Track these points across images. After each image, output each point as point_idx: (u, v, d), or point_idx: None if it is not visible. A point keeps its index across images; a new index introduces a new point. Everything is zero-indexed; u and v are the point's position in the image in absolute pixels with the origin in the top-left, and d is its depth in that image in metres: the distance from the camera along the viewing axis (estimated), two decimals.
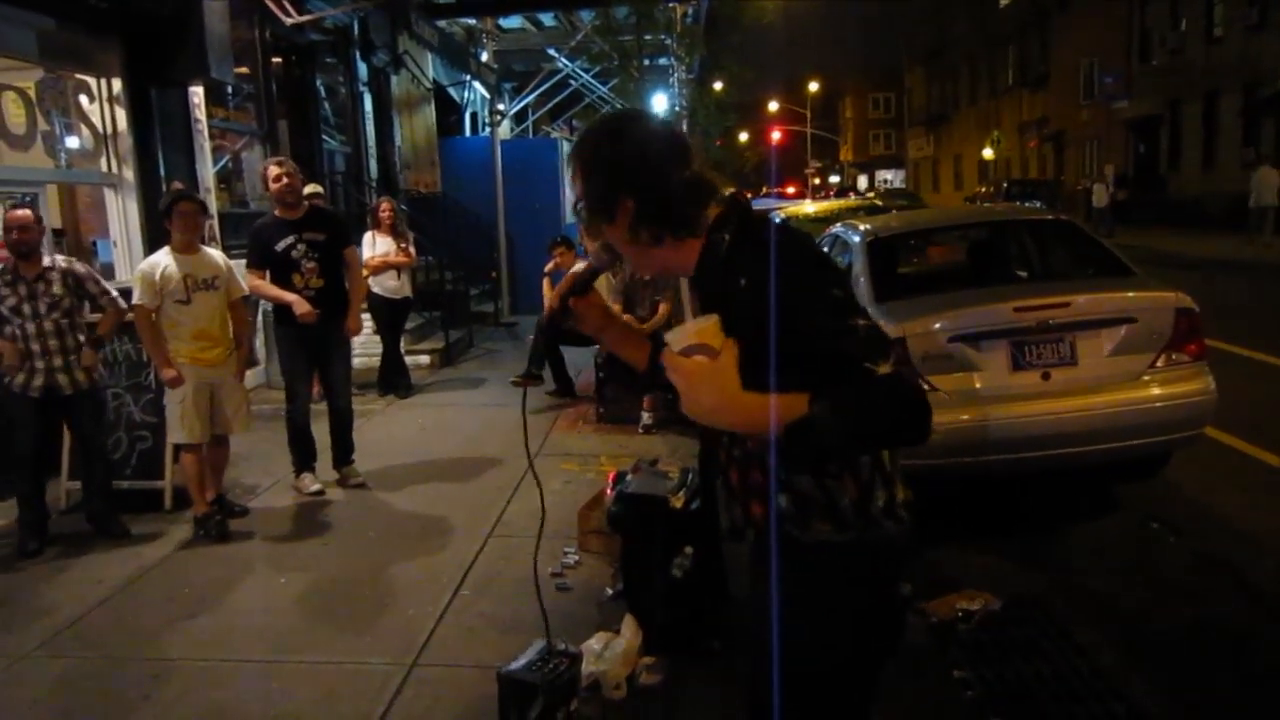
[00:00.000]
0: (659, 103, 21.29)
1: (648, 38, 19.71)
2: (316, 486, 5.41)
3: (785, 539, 1.64)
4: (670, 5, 19.67)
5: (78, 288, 4.71)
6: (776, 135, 53.12)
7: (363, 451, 5.80)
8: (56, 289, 4.62)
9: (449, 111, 16.70)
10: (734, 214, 1.63)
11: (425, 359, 9.42)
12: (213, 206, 7.65)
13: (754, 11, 26.99)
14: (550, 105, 20.84)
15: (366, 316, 6.81)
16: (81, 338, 4.73)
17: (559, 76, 19.49)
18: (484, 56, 16.43)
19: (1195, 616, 3.60)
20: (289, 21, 9.25)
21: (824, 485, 1.60)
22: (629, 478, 3.82)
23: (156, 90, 7.34)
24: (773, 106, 55.93)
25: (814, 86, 58.52)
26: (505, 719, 2.80)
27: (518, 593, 3.96)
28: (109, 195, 7.32)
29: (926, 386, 4.19)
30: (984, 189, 32.48)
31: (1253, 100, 21.94)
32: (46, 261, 4.67)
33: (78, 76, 7.13)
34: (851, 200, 17.70)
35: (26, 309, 4.56)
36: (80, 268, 4.81)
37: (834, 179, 64.97)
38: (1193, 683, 3.14)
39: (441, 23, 13.65)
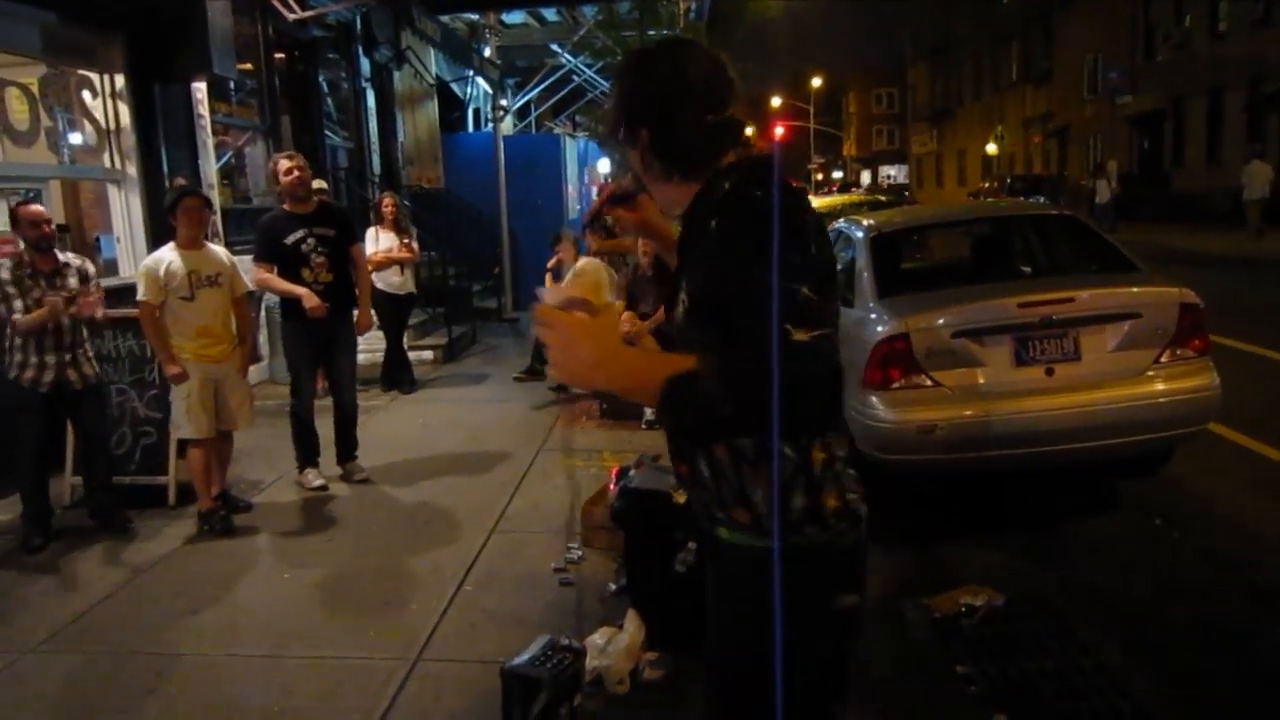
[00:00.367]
0: None
1: (651, 33, 19.66)
2: (320, 482, 5.42)
3: (711, 536, 1.61)
4: (673, 0, 19.65)
5: (88, 284, 4.74)
6: (780, 131, 53.05)
7: (366, 447, 5.81)
8: (73, 283, 4.65)
9: (452, 107, 16.68)
10: (744, 165, 1.57)
11: (428, 355, 9.43)
12: (216, 202, 7.65)
13: (757, 7, 26.95)
14: (553, 101, 20.81)
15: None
16: (86, 333, 4.77)
17: (562, 72, 19.46)
18: (487, 52, 16.39)
19: (1198, 613, 3.59)
20: (291, 17, 9.24)
21: (739, 468, 1.53)
22: (632, 473, 3.82)
23: (159, 86, 7.34)
24: (776, 102, 55.83)
25: (817, 82, 58.39)
26: (509, 714, 2.81)
27: (521, 588, 3.97)
28: (112, 191, 7.33)
29: (930, 382, 4.20)
30: (988, 184, 32.43)
31: (1257, 96, 21.89)
32: (61, 257, 4.69)
33: (81, 72, 7.13)
34: (839, 197, 18.14)
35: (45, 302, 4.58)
36: (90, 266, 4.85)
37: (837, 174, 64.92)
38: (1196, 679, 3.13)
39: (444, 18, 13.62)
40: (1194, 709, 2.99)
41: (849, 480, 1.56)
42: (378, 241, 7.89)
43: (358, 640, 3.58)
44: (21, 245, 4.61)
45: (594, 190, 18.19)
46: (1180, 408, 4.23)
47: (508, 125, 16.81)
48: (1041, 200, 20.52)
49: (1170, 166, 26.80)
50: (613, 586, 3.87)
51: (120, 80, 7.18)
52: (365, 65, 11.68)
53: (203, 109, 7.88)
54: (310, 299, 5.14)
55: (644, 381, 1.38)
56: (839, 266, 4.30)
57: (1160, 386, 4.23)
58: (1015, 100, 39.20)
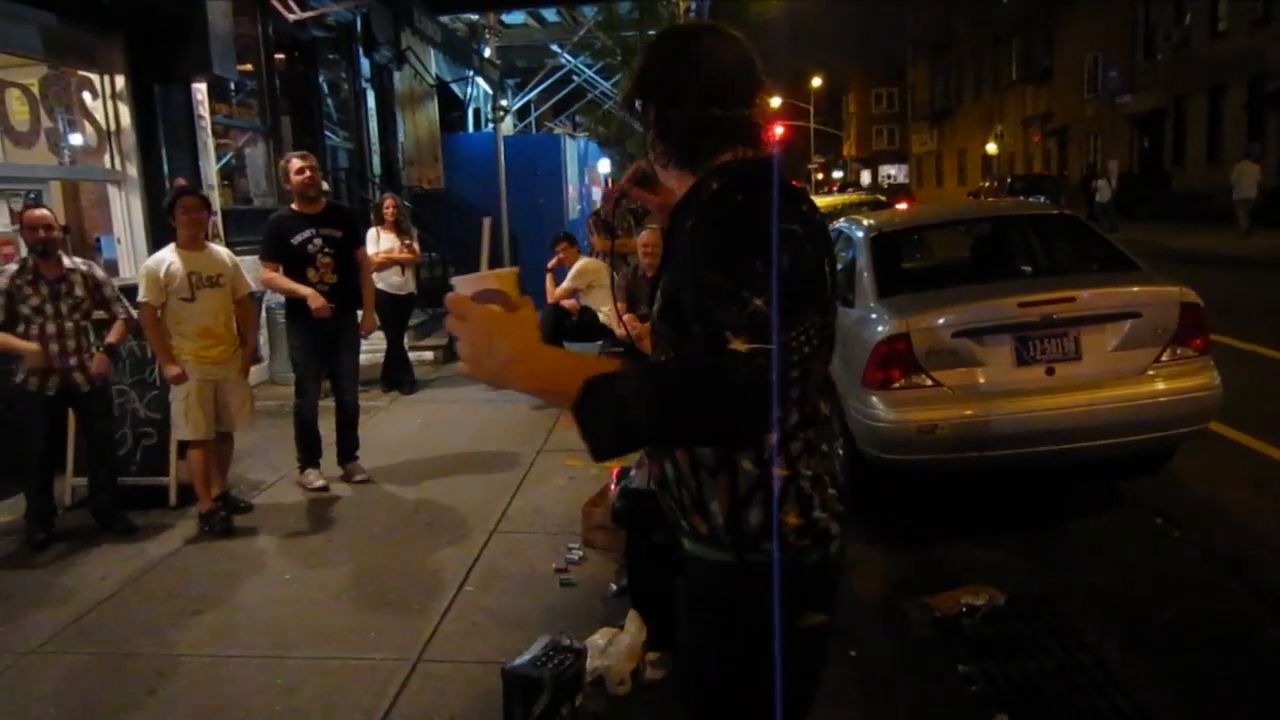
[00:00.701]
0: None
1: (651, 33, 19.68)
2: (321, 482, 5.42)
3: (678, 544, 1.59)
4: (673, 0, 19.64)
5: (96, 291, 4.75)
6: (779, 130, 52.99)
7: (367, 448, 5.81)
8: (79, 291, 4.66)
9: (452, 108, 16.69)
10: (738, 167, 1.51)
11: (429, 355, 9.42)
12: (216, 203, 7.65)
13: (757, 7, 26.95)
14: (553, 101, 20.83)
15: None
16: (94, 338, 4.76)
17: (562, 72, 19.48)
18: (487, 52, 16.40)
19: (1200, 612, 3.59)
20: (292, 18, 9.25)
21: (698, 474, 1.48)
22: (633, 473, 3.81)
23: (160, 87, 7.34)
24: (775, 102, 55.74)
25: (817, 82, 58.36)
26: (510, 714, 2.81)
27: (522, 588, 3.97)
28: (113, 192, 7.33)
29: (931, 382, 4.20)
30: (988, 184, 32.44)
31: (1257, 94, 21.87)
32: (67, 263, 4.68)
33: (81, 73, 7.13)
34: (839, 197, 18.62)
35: (49, 309, 4.58)
36: (99, 272, 4.85)
37: (837, 174, 64.90)
38: (1196, 679, 3.13)
39: (444, 19, 13.63)
40: (1194, 708, 2.98)
41: (821, 498, 1.49)
42: (379, 242, 7.89)
43: (359, 641, 3.57)
44: (24, 249, 4.62)
45: (594, 190, 18.20)
46: (1181, 407, 4.23)
47: (508, 126, 16.82)
48: (1042, 200, 20.51)
49: (1170, 166, 26.80)
50: (614, 587, 3.87)
51: (120, 81, 7.18)
52: (365, 66, 11.69)
53: (203, 110, 7.88)
54: (315, 299, 5.14)
55: (563, 383, 1.27)
56: (839, 266, 4.30)
57: (1161, 386, 4.23)
58: (1015, 99, 39.21)
